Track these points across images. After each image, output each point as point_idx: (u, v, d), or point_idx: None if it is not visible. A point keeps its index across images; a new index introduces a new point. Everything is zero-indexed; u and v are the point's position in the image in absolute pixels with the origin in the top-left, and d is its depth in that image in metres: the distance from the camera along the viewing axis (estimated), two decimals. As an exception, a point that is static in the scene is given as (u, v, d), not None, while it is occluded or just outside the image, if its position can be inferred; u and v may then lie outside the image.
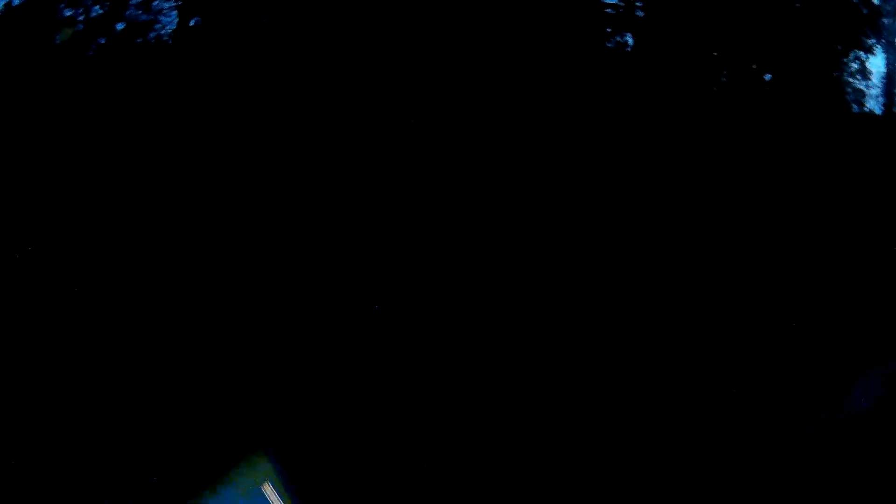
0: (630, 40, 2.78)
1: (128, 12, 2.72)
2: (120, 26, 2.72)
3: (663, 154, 2.71)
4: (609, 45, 2.75)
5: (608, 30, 2.80)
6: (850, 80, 2.88)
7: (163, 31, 2.71)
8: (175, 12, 2.74)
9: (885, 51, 2.90)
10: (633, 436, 2.46)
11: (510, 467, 2.40)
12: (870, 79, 2.90)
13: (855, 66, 2.89)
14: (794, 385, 2.57)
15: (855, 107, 2.88)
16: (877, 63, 2.90)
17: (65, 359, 2.36)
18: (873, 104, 2.90)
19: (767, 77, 2.78)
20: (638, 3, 2.76)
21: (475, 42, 2.68)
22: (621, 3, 2.75)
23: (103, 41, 2.67)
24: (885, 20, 2.83)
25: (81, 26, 2.72)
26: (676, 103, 2.75)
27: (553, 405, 2.49)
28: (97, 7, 2.69)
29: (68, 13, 2.67)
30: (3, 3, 2.63)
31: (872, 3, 2.82)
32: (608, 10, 2.78)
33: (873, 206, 2.73)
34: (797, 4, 2.84)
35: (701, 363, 2.59)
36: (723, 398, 2.52)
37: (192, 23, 2.72)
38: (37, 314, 2.39)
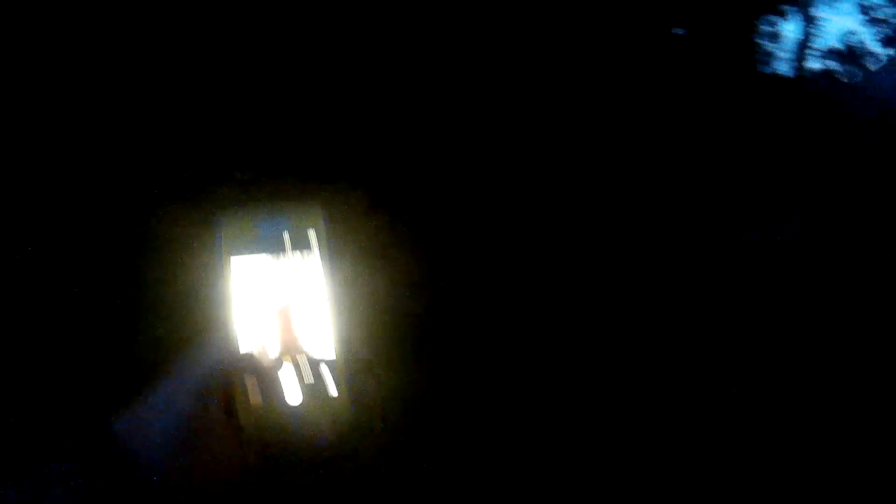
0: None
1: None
2: None
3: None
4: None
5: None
6: (763, 42, 2.90)
7: None
8: None
9: (799, 17, 2.94)
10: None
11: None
12: (782, 42, 2.92)
13: (768, 28, 2.92)
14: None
15: (765, 68, 2.89)
16: (790, 28, 2.92)
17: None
18: (784, 66, 2.91)
19: (681, 32, 2.80)
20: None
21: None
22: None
23: None
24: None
25: None
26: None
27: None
28: None
29: None
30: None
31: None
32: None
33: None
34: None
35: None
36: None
37: None
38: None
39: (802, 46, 2.84)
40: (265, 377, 0.38)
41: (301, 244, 0.41)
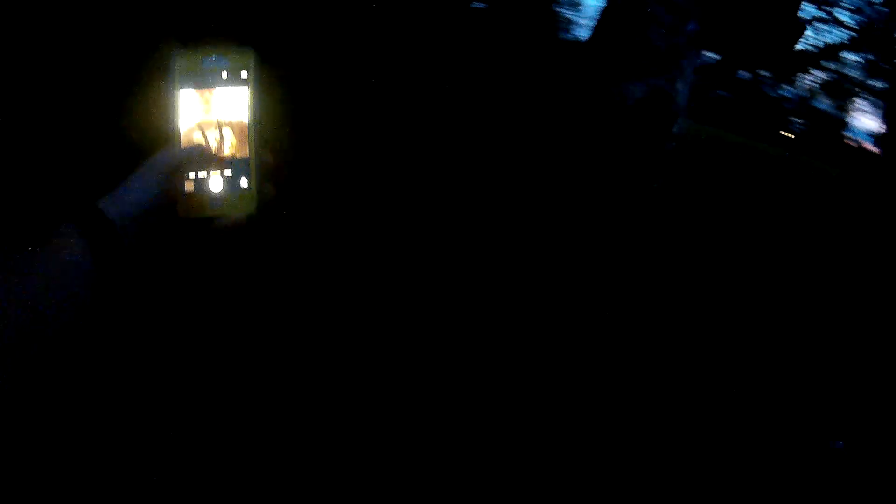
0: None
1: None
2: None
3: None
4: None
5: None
6: (562, 10, 3.20)
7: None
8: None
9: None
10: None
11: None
12: (581, 10, 3.23)
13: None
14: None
15: (565, 34, 3.19)
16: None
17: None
18: (582, 32, 3.21)
19: (480, 6, 3.03)
20: None
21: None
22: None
23: None
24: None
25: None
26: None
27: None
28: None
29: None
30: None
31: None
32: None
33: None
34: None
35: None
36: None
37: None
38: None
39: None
40: (199, 168, 0.55)
41: (235, 80, 0.56)
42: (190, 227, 0.56)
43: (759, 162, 10.74)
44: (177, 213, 0.54)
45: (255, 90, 0.57)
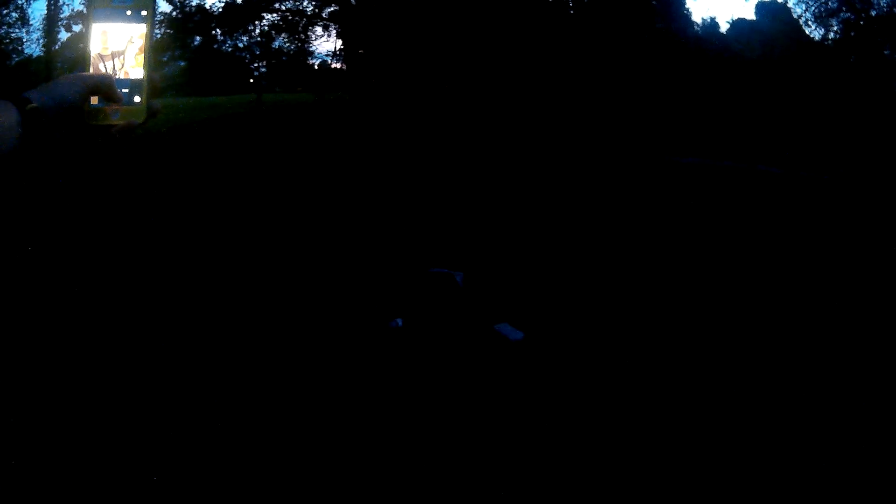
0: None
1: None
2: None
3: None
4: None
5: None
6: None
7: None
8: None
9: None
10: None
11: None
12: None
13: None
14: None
15: None
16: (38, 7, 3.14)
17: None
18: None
19: None
20: None
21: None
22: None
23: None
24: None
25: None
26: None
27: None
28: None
29: None
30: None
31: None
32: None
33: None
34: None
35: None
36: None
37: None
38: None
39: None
40: (103, 87, 0.70)
41: (137, 17, 0.71)
42: (94, 130, 0.70)
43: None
44: (84, 119, 0.69)
45: (151, 26, 0.72)
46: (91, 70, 0.71)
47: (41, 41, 16.06)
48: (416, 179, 8.52)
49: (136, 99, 0.71)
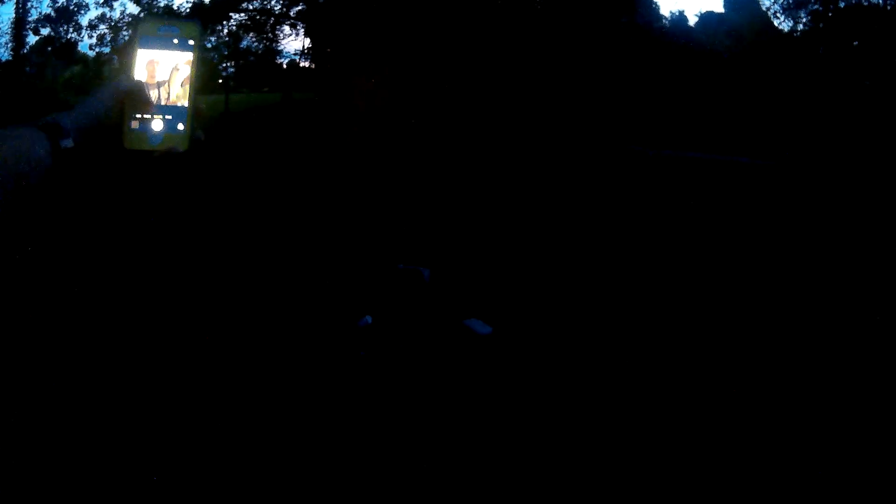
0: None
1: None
2: None
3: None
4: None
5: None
6: None
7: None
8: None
9: None
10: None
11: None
12: None
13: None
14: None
15: None
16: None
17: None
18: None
19: None
20: None
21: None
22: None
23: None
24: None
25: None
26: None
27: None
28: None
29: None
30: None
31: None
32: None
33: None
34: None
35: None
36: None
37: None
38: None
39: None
40: (139, 111, 0.69)
41: (184, 45, 0.70)
42: (133, 154, 0.70)
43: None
44: (124, 143, 0.69)
45: (197, 54, 0.71)
46: (132, 86, 0.69)
47: (10, 45, 15.94)
48: (382, 177, 8.52)
49: (180, 126, 0.70)
